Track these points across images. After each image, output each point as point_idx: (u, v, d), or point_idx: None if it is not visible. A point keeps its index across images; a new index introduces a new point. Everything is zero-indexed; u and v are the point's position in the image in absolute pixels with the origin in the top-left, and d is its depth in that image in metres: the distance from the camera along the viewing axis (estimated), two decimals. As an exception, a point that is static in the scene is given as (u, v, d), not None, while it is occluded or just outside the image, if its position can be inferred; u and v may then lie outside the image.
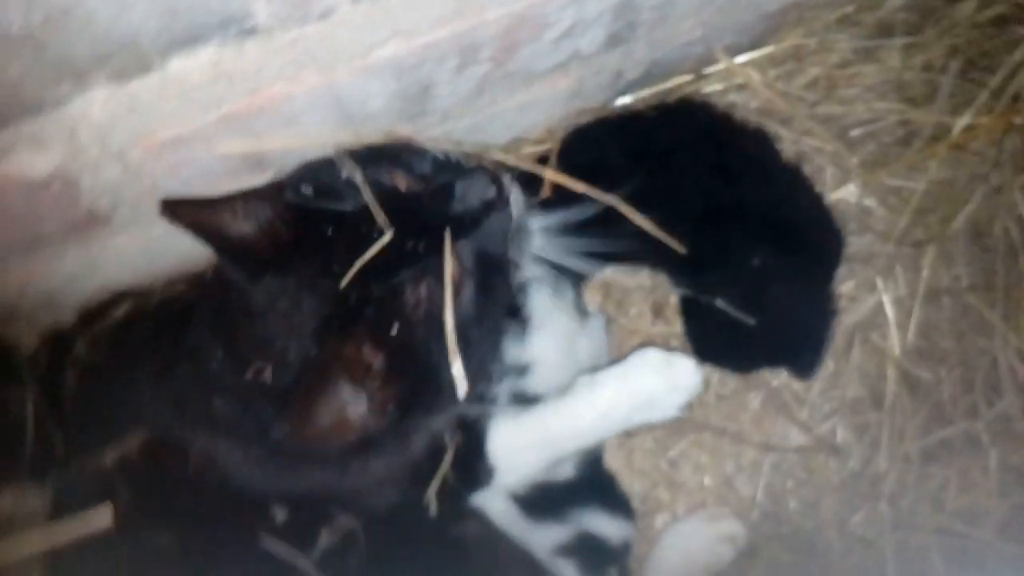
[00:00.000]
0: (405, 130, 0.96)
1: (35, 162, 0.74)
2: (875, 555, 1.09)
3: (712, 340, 1.10)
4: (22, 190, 0.77)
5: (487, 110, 1.00)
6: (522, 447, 0.96)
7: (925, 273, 1.12)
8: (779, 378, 1.18)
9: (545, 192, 1.00)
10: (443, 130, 1.00)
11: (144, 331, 0.99)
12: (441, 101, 0.92)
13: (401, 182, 0.84)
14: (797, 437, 1.19)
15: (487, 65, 0.88)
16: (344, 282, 0.77)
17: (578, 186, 0.92)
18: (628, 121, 1.13)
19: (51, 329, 1.08)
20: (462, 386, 0.78)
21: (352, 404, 0.75)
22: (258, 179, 0.92)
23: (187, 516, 0.91)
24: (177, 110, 0.74)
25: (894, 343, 1.14)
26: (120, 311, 1.05)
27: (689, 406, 1.02)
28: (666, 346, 1.12)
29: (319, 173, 0.84)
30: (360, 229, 0.79)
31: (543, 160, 1.07)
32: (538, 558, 1.04)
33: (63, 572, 0.90)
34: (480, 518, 1.05)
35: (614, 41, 0.95)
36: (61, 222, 0.85)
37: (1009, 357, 1.11)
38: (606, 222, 0.95)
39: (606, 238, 0.97)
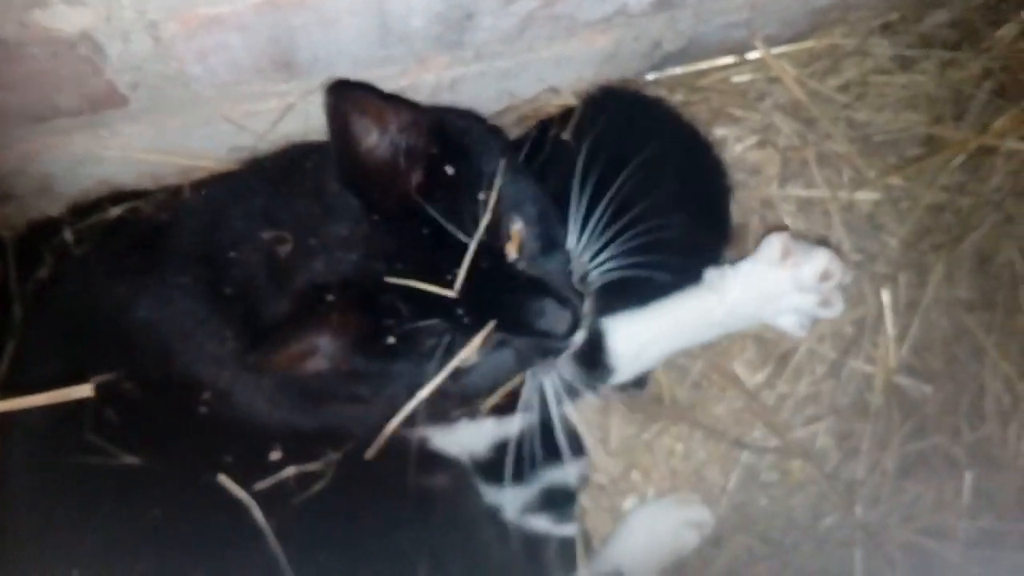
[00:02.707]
0: (440, 60, 0.95)
1: (68, 16, 0.71)
2: (842, 560, 1.09)
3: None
4: (48, 46, 0.74)
5: (522, 56, 0.99)
6: (647, 341, 0.99)
7: (930, 288, 1.12)
8: (757, 377, 1.18)
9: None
10: (476, 69, 0.99)
11: (134, 236, 0.96)
12: (480, 34, 0.91)
13: (510, 242, 0.82)
14: (771, 440, 1.19)
15: (536, 2, 0.86)
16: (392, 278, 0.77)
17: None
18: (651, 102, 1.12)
19: (40, 218, 1.05)
20: None
21: (312, 353, 0.77)
22: (284, 83, 0.90)
23: (160, 447, 0.87)
24: (222, -15, 0.72)
25: (888, 353, 1.14)
26: (115, 211, 1.01)
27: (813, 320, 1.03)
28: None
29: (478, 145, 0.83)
30: (445, 244, 0.77)
31: (566, 115, 1.05)
32: (507, 518, 1.03)
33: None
34: (454, 471, 1.03)
35: (663, 4, 0.94)
36: (79, 93, 0.82)
37: (997, 385, 1.12)
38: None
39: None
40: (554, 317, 0.79)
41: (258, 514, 0.82)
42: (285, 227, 0.81)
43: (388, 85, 0.96)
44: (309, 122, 0.96)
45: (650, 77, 1.14)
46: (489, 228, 0.79)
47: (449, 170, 0.80)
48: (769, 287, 0.99)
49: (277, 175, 0.89)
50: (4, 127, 0.86)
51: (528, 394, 0.91)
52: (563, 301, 0.80)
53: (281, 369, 0.77)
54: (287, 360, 0.77)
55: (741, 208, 1.17)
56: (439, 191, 0.78)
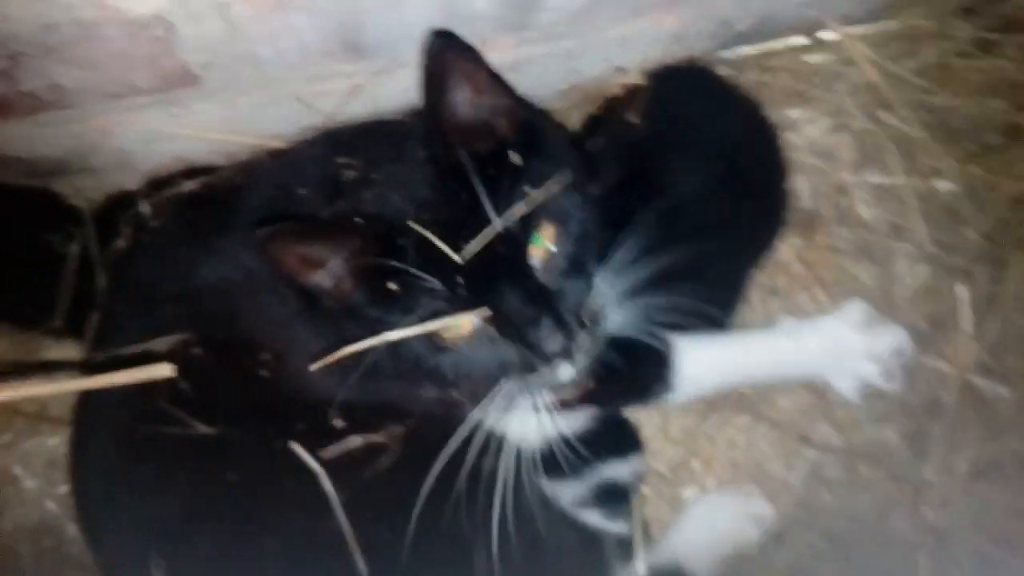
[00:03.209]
0: (505, 41, 0.94)
1: (143, -1, 0.73)
2: (907, 562, 1.05)
3: None
4: (122, 27, 0.77)
5: (588, 36, 0.97)
6: (712, 368, 1.00)
7: (1009, 284, 1.07)
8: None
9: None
10: (541, 50, 0.98)
11: (209, 201, 0.98)
12: (545, 15, 0.90)
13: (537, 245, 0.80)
14: (837, 440, 1.15)
15: (602, -20, 0.85)
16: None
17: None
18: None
19: (116, 191, 1.09)
20: None
21: (324, 266, 0.77)
22: (351, 64, 0.91)
23: (231, 415, 0.88)
24: (291, -35, 0.73)
25: (963, 351, 1.09)
26: (188, 185, 1.04)
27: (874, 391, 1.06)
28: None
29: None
30: (477, 218, 0.76)
31: (633, 93, 1.03)
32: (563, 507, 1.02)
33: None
34: (512, 455, 1.03)
35: (734, -19, 0.92)
36: (153, 72, 0.85)
37: (1076, 388, 1.06)
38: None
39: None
40: (547, 333, 0.77)
41: (327, 483, 0.83)
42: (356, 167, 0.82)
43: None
44: (377, 102, 0.97)
45: (719, 56, 1.10)
46: (524, 224, 0.77)
47: (515, 159, 0.79)
48: (843, 347, 1.03)
49: (357, 137, 0.89)
50: (82, 104, 0.89)
51: (497, 407, 0.88)
52: (561, 323, 0.77)
53: (283, 265, 0.76)
54: (294, 258, 0.76)
55: (813, 193, 1.13)
56: (495, 170, 0.77)
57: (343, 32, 0.84)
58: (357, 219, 0.78)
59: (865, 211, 1.15)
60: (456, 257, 0.74)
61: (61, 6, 0.73)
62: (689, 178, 0.96)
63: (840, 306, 1.07)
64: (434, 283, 0.76)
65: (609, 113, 1.08)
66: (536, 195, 0.76)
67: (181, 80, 0.87)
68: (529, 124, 0.82)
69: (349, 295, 0.79)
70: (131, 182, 1.07)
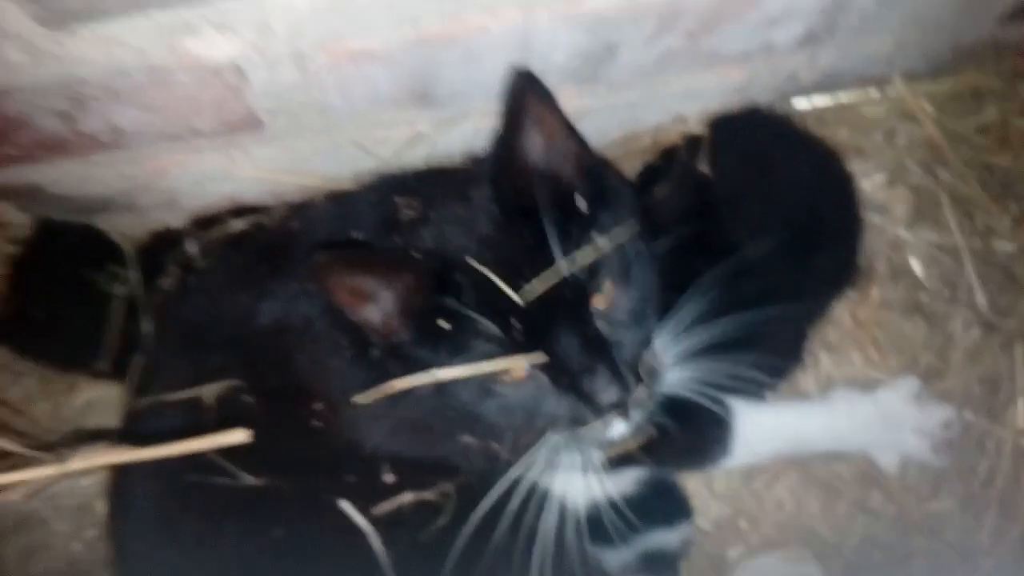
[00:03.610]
0: (568, 91, 0.92)
1: (218, 45, 0.71)
2: (959, 629, 1.03)
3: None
4: (194, 73, 0.74)
5: (654, 89, 0.96)
6: (769, 435, 1.00)
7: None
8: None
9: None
10: (604, 101, 0.96)
11: (263, 244, 0.96)
12: (617, 71, 0.88)
13: (600, 294, 0.77)
14: (890, 507, 1.12)
15: (679, 38, 0.84)
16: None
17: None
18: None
19: (161, 229, 1.07)
20: None
21: (375, 299, 0.74)
22: (416, 112, 0.89)
23: (280, 466, 0.85)
24: (374, 19, 0.71)
25: (1018, 415, 1.08)
26: (237, 224, 1.02)
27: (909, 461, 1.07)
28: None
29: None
30: (540, 260, 0.73)
31: (695, 143, 1.01)
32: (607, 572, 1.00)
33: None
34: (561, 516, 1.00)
35: (808, 40, 0.90)
36: (218, 118, 0.83)
37: None
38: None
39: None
40: (601, 383, 0.74)
41: (377, 543, 0.81)
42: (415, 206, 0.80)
43: (516, 115, 0.94)
44: (435, 150, 0.95)
45: (778, 109, 1.09)
46: (587, 271, 0.75)
47: (582, 205, 0.77)
48: (895, 420, 1.03)
49: (417, 180, 0.87)
50: (140, 145, 0.87)
51: (540, 462, 0.85)
52: (617, 375, 0.75)
53: (335, 295, 0.73)
54: (346, 289, 0.73)
55: (867, 248, 1.12)
56: (562, 215, 0.74)
57: (416, 83, 0.82)
58: (413, 253, 0.75)
59: (919, 268, 1.13)
60: (516, 297, 0.71)
61: (134, 50, 0.70)
62: (756, 233, 0.94)
63: (894, 379, 1.07)
64: (488, 324, 0.73)
65: (666, 162, 1.06)
66: (604, 242, 0.74)
67: (245, 125, 0.85)
68: (596, 173, 0.80)
69: (396, 332, 0.76)
70: (176, 220, 1.04)
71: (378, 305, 0.74)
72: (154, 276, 1.01)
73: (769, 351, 0.95)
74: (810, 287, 1.00)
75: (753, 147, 1.01)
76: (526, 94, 0.71)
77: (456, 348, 0.74)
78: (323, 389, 0.86)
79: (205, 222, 1.03)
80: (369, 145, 0.93)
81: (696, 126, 1.06)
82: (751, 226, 0.94)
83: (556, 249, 0.72)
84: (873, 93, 1.10)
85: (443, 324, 0.73)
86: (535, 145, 0.73)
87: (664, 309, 0.84)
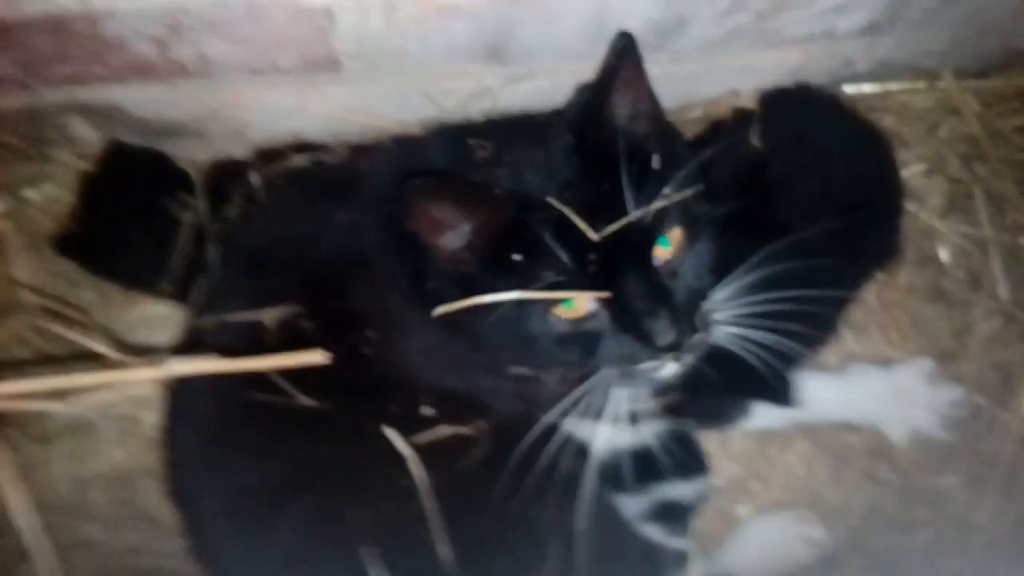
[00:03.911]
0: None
1: (318, -12, 0.75)
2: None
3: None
4: (289, 11, 0.78)
5: (716, 62, 0.99)
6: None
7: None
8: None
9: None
10: (665, 70, 0.99)
11: (328, 180, 0.99)
12: (685, 41, 0.91)
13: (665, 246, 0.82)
14: (897, 479, 1.18)
15: (750, 16, 0.87)
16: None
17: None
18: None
19: (223, 159, 1.10)
20: None
21: (454, 227, 0.78)
22: (486, 67, 0.92)
23: (331, 389, 0.89)
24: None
25: (1026, 403, 1.13)
26: (298, 159, 1.05)
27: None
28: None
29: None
30: (614, 205, 0.78)
31: (746, 116, 1.05)
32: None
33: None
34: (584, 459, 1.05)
35: (870, 29, 0.93)
36: (301, 56, 0.86)
37: None
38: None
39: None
40: (662, 325, 0.78)
41: (416, 468, 0.85)
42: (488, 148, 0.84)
43: (580, 77, 0.98)
44: (496, 105, 0.98)
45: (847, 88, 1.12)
46: (656, 222, 0.79)
47: (655, 163, 0.81)
48: (908, 395, 1.09)
49: (491, 125, 0.91)
50: (222, 75, 0.91)
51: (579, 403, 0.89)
52: (677, 320, 0.79)
53: (416, 218, 0.78)
54: (429, 215, 0.77)
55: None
56: (638, 168, 0.79)
57: (492, 38, 0.86)
58: (496, 190, 0.79)
59: (947, 257, 1.17)
60: (592, 234, 0.75)
61: (237, -14, 0.74)
62: (805, 209, 0.98)
63: (909, 358, 1.13)
64: (563, 256, 0.77)
65: (714, 135, 1.09)
66: (674, 195, 0.79)
67: (324, 65, 0.88)
68: (668, 136, 0.85)
69: (467, 262, 0.81)
70: (240, 150, 1.08)
71: (456, 232, 0.78)
72: (216, 205, 1.05)
73: (808, 324, 1.00)
74: (852, 266, 1.04)
75: (803, 124, 1.04)
76: (627, 54, 0.76)
77: (527, 279, 0.78)
78: (377, 317, 0.91)
79: (268, 155, 1.06)
80: (435, 95, 0.97)
81: (748, 101, 1.09)
82: (800, 202, 0.98)
83: (630, 198, 0.76)
84: (922, 85, 1.13)
85: (516, 257, 0.77)
86: (623, 104, 0.78)
87: (718, 273, 0.89)
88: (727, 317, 0.90)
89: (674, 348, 0.79)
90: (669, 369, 0.83)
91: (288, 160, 1.05)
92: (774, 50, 0.98)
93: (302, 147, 1.06)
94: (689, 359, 0.84)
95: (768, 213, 0.98)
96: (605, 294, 0.78)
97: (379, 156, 0.96)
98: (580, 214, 0.76)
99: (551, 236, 0.77)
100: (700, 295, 0.85)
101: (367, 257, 0.91)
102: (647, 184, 0.79)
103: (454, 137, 0.90)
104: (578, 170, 0.79)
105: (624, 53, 0.76)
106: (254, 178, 1.03)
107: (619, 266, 0.78)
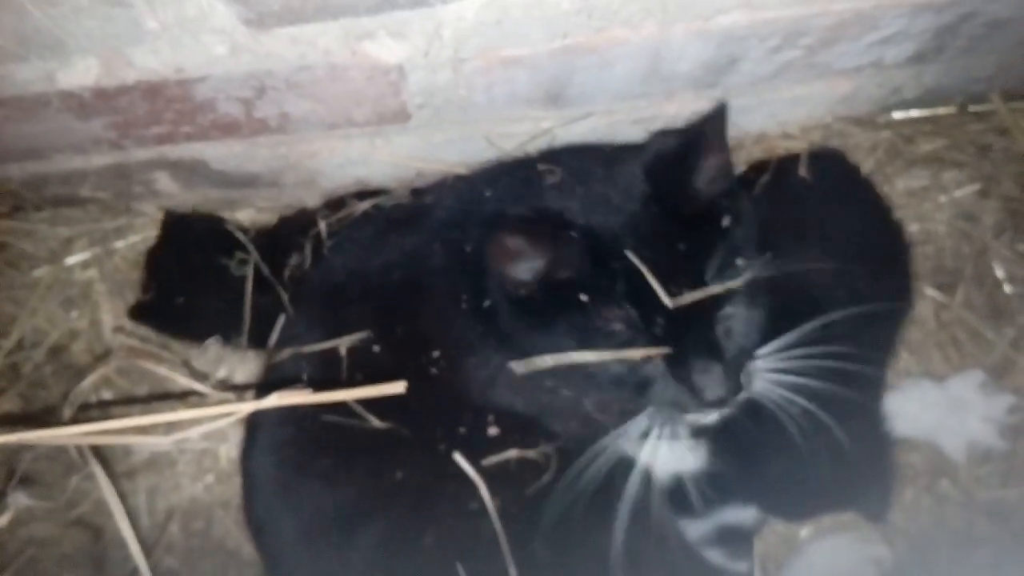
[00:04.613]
0: (685, 96, 0.99)
1: (392, 49, 0.80)
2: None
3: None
4: (366, 72, 0.84)
5: (765, 95, 1.02)
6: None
7: None
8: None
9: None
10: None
11: (396, 216, 1.04)
12: (735, 78, 0.95)
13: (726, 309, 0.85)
14: (960, 495, 1.18)
15: (799, 52, 0.90)
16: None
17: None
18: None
19: (290, 212, 1.16)
20: None
21: (528, 259, 0.82)
22: (544, 111, 0.97)
23: (401, 411, 0.91)
24: (530, 32, 0.79)
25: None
26: (362, 206, 1.10)
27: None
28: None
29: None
30: (688, 268, 0.82)
31: (789, 160, 1.08)
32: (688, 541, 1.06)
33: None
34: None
35: (917, 59, 0.96)
36: (374, 110, 0.92)
37: None
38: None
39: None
40: (714, 382, 0.82)
41: (485, 492, 0.87)
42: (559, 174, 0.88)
43: (632, 115, 1.02)
44: (553, 143, 1.03)
45: (880, 119, 1.14)
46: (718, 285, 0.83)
47: (726, 222, 0.85)
48: (962, 406, 1.11)
49: (560, 153, 0.95)
50: (300, 131, 0.97)
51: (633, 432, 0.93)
52: (728, 379, 0.84)
53: (494, 253, 0.82)
54: (507, 246, 0.81)
55: (955, 254, 1.17)
56: (712, 228, 0.83)
57: (551, 85, 0.90)
58: (574, 233, 0.83)
59: (1003, 274, 1.18)
60: (668, 301, 0.79)
61: (320, 50, 0.80)
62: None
63: (963, 371, 1.15)
64: (633, 313, 0.82)
65: (758, 174, 1.12)
66: (750, 268, 0.83)
67: (395, 117, 0.93)
68: (735, 195, 0.88)
69: (532, 290, 0.85)
70: (311, 198, 1.14)
71: (529, 265, 0.82)
72: (283, 256, 1.10)
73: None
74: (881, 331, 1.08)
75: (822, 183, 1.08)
76: (718, 123, 0.80)
77: (587, 320, 0.83)
78: (443, 340, 0.95)
79: (335, 204, 1.12)
80: (495, 138, 1.02)
81: (800, 142, 1.12)
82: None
83: (708, 263, 0.81)
84: (971, 108, 1.15)
85: (584, 297, 0.82)
86: (707, 168, 0.81)
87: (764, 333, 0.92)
88: (768, 373, 0.92)
89: (721, 404, 0.84)
90: (710, 417, 0.89)
91: (352, 208, 1.10)
92: (823, 81, 1.01)
93: (363, 194, 1.11)
94: (730, 411, 0.89)
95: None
96: (667, 350, 0.83)
97: (444, 190, 1.01)
98: (655, 271, 0.80)
99: (624, 291, 0.82)
100: (748, 353, 0.89)
101: (433, 282, 0.95)
102: (719, 247, 0.83)
103: (518, 167, 0.95)
104: (655, 224, 0.83)
105: (716, 121, 0.80)
106: (322, 226, 1.08)
107: (683, 323, 0.82)
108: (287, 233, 1.13)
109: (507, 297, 0.88)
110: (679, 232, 0.81)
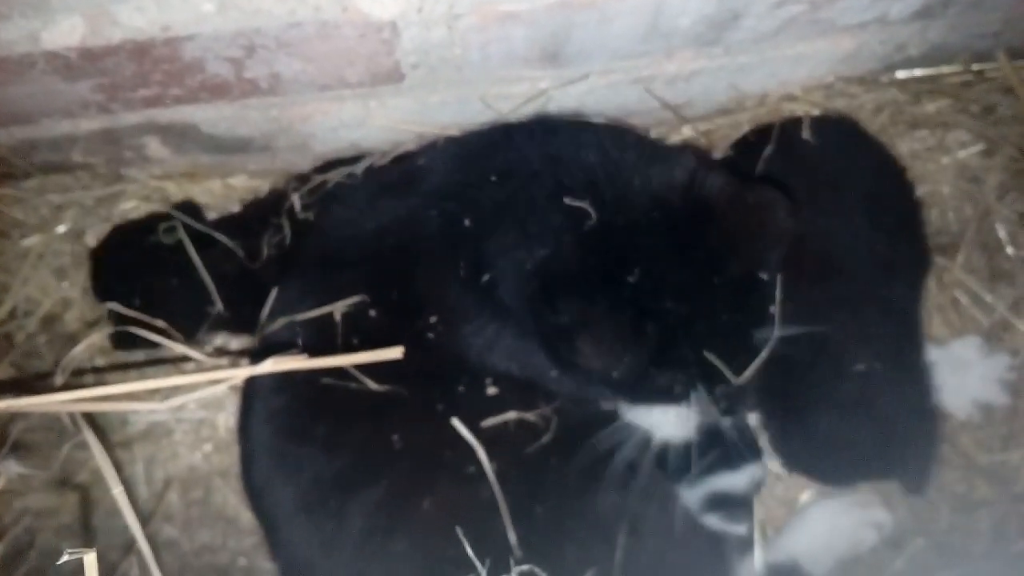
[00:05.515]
0: (685, 54, 0.97)
1: (385, 5, 0.78)
2: (1021, 579, 1.09)
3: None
4: (358, 29, 0.81)
5: (767, 53, 1.00)
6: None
7: None
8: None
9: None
10: (717, 63, 1.01)
11: (390, 178, 1.02)
12: (737, 34, 0.93)
13: None
14: (959, 458, 1.18)
15: (803, 7, 0.88)
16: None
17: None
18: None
19: (288, 171, 1.14)
20: None
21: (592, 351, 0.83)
22: (541, 71, 0.95)
23: (398, 374, 0.91)
24: (528, -15, 0.77)
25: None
26: (356, 169, 1.08)
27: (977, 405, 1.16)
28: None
29: None
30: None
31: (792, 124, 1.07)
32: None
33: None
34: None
35: (922, 14, 0.94)
36: (367, 69, 0.90)
37: None
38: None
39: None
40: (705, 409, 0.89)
41: (483, 456, 0.87)
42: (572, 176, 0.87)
43: (632, 75, 1.00)
44: (549, 106, 1.01)
45: (883, 78, 1.12)
46: None
47: (764, 276, 0.85)
48: (963, 366, 1.12)
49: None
50: (292, 92, 0.95)
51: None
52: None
53: (582, 345, 0.83)
54: (586, 348, 0.83)
55: (957, 216, 1.16)
56: (758, 294, 0.85)
57: (549, 43, 0.88)
58: (648, 327, 0.84)
59: (1006, 237, 1.17)
60: (735, 379, 0.83)
61: (310, 6, 0.78)
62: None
63: (961, 336, 1.15)
64: (703, 394, 0.87)
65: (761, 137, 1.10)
66: (793, 331, 0.85)
67: (389, 77, 0.91)
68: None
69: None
70: (304, 162, 1.12)
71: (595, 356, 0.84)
72: (257, 236, 1.08)
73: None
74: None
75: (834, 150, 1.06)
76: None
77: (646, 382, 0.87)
78: (439, 304, 0.94)
79: (329, 166, 1.10)
80: (491, 100, 1.00)
81: (802, 104, 1.10)
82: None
83: (775, 330, 0.84)
84: (976, 67, 1.13)
85: (657, 375, 0.86)
86: (759, 246, 0.84)
87: None
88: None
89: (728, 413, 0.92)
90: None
91: (325, 178, 1.06)
92: (826, 38, 0.99)
93: (361, 155, 1.09)
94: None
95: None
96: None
97: (436, 153, 0.99)
98: (715, 349, 0.82)
99: (691, 377, 0.85)
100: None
101: (427, 248, 0.94)
102: (764, 308, 0.84)
103: (507, 136, 0.94)
104: (710, 298, 0.83)
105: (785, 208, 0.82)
106: (295, 200, 1.06)
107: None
108: (257, 216, 1.11)
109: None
110: (728, 301, 0.83)
